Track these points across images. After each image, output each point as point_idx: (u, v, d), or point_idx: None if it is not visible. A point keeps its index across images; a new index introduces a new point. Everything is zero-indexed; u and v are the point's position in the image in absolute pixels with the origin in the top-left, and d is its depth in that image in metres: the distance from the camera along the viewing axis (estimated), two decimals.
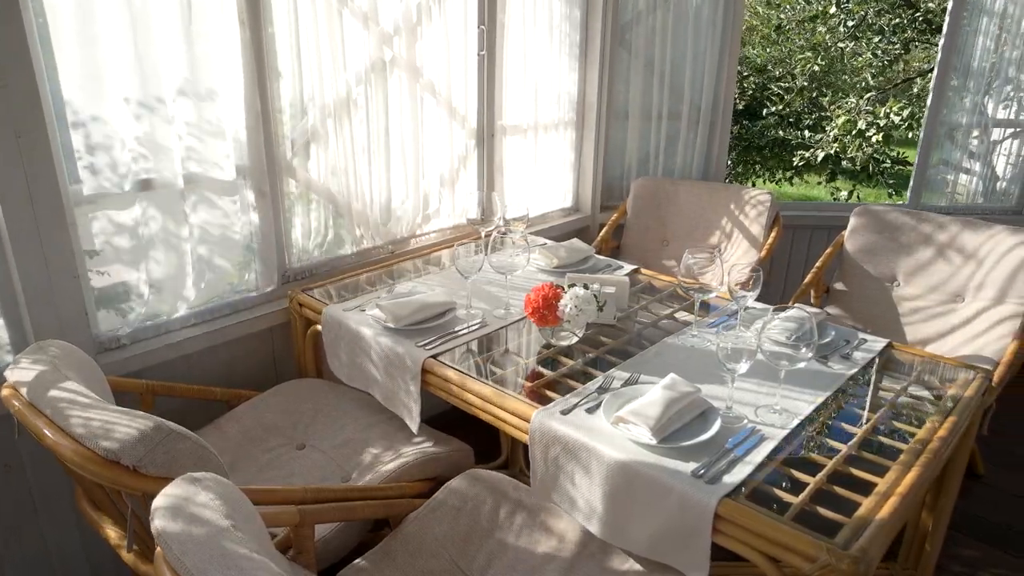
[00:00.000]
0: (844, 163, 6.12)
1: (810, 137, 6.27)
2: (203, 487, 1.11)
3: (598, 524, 1.49)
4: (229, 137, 2.06)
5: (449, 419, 2.19)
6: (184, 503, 1.07)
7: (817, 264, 2.83)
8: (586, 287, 1.86)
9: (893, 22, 5.68)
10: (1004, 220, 3.42)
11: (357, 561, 1.54)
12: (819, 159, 6.06)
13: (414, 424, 1.87)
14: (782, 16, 6.53)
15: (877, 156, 5.81)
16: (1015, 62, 3.32)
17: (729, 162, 6.77)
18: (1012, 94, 3.39)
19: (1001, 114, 3.43)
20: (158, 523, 1.02)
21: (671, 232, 3.22)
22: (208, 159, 2.04)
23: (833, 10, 5.89)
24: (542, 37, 2.96)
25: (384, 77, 2.39)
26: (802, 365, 1.54)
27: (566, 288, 1.86)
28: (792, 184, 6.93)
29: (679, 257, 2.06)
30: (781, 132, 6.48)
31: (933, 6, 5.68)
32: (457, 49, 2.61)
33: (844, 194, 6.45)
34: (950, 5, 3.20)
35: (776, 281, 3.64)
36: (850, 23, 5.87)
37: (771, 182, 6.85)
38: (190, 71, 1.93)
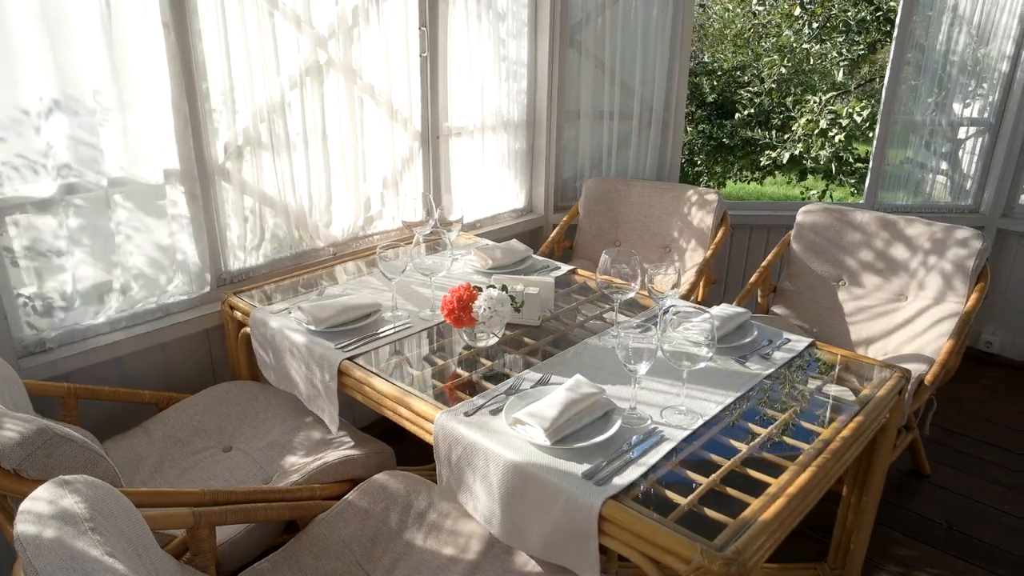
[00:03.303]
0: (808, 163, 6.13)
1: (777, 137, 6.29)
2: (71, 490, 1.11)
3: (497, 526, 1.50)
4: (156, 140, 2.06)
5: (391, 423, 2.19)
6: (47, 506, 1.08)
7: (763, 263, 2.83)
8: (504, 288, 1.86)
9: (857, 16, 5.67)
10: (962, 219, 3.44)
11: (259, 563, 1.54)
12: (785, 159, 6.07)
13: (333, 425, 1.87)
14: (755, 11, 6.52)
15: (840, 155, 5.82)
16: (973, 61, 3.32)
17: (700, 161, 6.76)
18: (971, 91, 3.39)
19: (957, 112, 3.43)
20: (19, 527, 1.02)
21: (623, 232, 3.22)
22: (135, 162, 2.04)
23: (798, 11, 5.90)
24: (488, 38, 2.96)
25: (320, 80, 2.39)
26: (703, 365, 1.54)
27: (484, 289, 1.86)
28: (763, 184, 6.94)
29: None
30: (750, 132, 6.49)
31: (894, 4, 5.68)
32: (398, 51, 2.61)
33: (815, 193, 6.47)
34: (902, 2, 3.20)
35: (733, 281, 3.63)
36: (815, 24, 5.88)
37: (742, 182, 6.86)
38: (112, 74, 1.93)
